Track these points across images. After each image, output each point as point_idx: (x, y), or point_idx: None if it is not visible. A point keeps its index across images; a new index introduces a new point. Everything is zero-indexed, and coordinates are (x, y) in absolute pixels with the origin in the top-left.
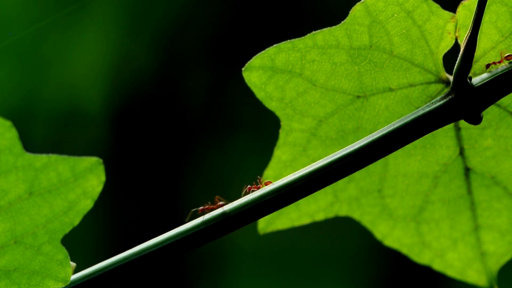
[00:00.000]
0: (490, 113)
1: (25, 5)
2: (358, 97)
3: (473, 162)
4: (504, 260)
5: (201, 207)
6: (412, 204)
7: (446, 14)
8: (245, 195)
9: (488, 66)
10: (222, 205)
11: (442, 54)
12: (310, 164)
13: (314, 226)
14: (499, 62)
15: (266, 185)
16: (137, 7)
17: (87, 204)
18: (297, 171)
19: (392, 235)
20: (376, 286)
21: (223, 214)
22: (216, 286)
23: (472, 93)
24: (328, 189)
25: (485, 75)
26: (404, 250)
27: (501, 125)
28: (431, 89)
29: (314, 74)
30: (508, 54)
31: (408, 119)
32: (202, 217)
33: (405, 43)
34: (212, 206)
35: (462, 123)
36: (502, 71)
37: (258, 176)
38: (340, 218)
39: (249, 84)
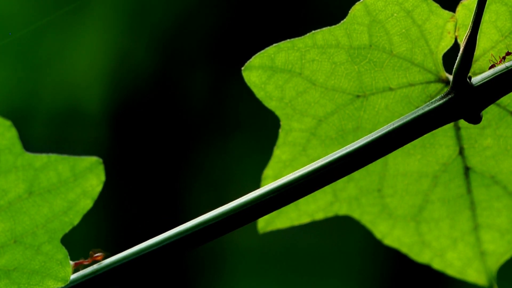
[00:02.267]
0: (489, 113)
1: (23, 5)
2: (358, 96)
3: (473, 162)
4: (503, 259)
5: (74, 262)
6: (411, 204)
7: (446, 13)
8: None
9: (491, 67)
10: (98, 258)
11: (442, 53)
12: (309, 163)
13: (314, 226)
14: (500, 61)
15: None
16: (136, 6)
17: (87, 204)
18: (297, 171)
19: (392, 234)
20: (378, 285)
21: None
22: (216, 286)
23: (471, 93)
24: (327, 188)
25: (485, 75)
26: (404, 249)
27: (501, 124)
28: (430, 88)
29: (313, 73)
30: (507, 52)
31: (407, 119)
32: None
33: (405, 43)
34: (87, 261)
35: (462, 122)
36: (502, 70)
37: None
38: (340, 217)
39: (248, 84)
